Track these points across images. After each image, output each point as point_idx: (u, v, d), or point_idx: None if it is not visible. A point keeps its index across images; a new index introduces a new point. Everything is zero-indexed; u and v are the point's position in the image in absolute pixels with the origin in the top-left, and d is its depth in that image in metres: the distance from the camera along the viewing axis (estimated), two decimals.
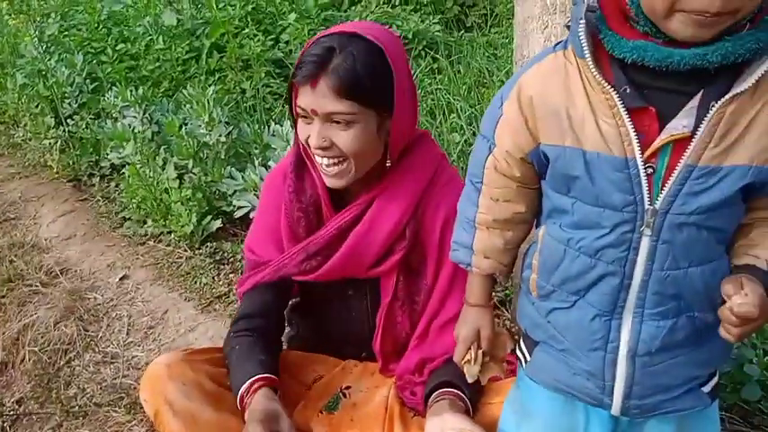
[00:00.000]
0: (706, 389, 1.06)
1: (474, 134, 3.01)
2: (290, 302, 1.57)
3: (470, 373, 1.14)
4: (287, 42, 4.05)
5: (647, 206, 0.91)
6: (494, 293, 2.17)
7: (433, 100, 3.41)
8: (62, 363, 2.32)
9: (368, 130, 1.27)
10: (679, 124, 0.87)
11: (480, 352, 1.14)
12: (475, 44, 4.06)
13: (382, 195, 1.35)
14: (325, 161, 1.30)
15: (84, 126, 3.58)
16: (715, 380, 1.07)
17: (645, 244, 0.93)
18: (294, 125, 1.36)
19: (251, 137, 2.91)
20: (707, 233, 0.92)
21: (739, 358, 1.70)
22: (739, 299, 0.86)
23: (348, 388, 1.48)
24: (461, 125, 3.06)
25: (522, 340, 1.17)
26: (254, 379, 1.30)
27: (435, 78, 3.72)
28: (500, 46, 4.01)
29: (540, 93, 0.96)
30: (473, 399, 1.31)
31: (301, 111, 1.28)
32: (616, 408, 1.03)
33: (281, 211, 1.42)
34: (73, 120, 3.67)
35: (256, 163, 2.71)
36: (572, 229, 0.98)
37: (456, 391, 1.30)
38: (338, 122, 1.25)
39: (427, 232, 1.37)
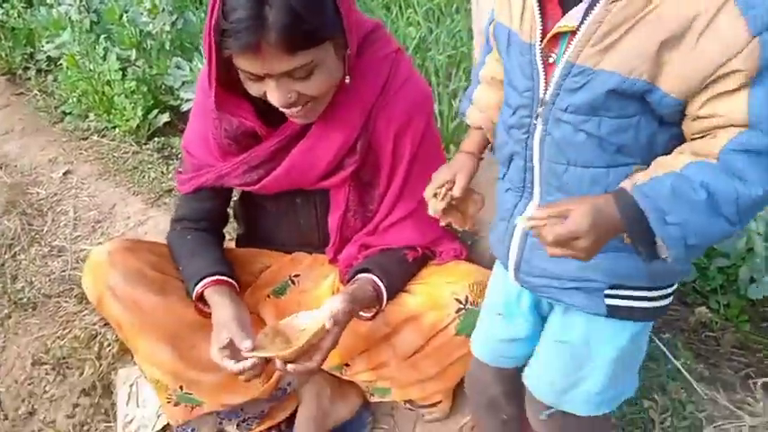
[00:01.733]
0: (609, 301, 1.01)
1: (431, 30, 2.93)
2: (236, 197, 1.54)
3: (433, 207, 1.13)
4: None
5: (540, 95, 0.91)
6: None
7: None
8: (7, 257, 2.26)
9: (329, 64, 1.14)
10: (572, 17, 0.84)
11: (450, 194, 1.14)
12: None
13: (329, 108, 1.23)
14: (293, 110, 1.18)
15: (15, 15, 3.33)
16: (624, 302, 1.00)
17: (538, 131, 0.93)
18: (210, 67, 1.16)
19: (198, 26, 2.76)
20: (585, 137, 0.88)
21: None
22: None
23: (297, 276, 1.48)
24: (418, 20, 2.96)
25: None
26: (214, 279, 1.30)
27: None
28: None
29: None
30: (394, 285, 1.30)
31: (247, 74, 1.12)
32: (510, 276, 1.08)
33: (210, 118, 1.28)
34: (3, 8, 3.41)
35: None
36: (503, 105, 1.02)
37: (370, 276, 1.29)
38: (298, 75, 1.11)
39: (380, 144, 1.29)
